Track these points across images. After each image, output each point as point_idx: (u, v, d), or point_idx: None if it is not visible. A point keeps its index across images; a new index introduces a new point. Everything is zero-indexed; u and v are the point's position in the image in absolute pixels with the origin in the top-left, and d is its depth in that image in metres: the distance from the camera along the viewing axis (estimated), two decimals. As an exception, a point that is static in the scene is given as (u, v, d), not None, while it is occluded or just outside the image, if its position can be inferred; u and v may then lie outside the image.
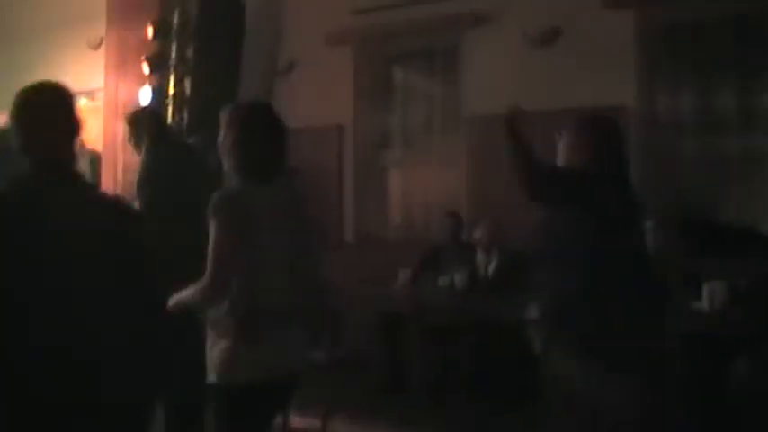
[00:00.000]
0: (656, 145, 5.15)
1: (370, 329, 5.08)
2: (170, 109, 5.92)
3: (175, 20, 5.98)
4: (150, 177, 3.87)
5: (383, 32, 6.04)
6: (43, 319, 1.79)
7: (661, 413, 2.60)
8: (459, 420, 4.42)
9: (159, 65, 6.01)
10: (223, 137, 2.50)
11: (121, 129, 6.25)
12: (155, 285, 2.07)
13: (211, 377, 2.40)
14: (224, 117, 2.52)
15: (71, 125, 1.99)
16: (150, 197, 3.79)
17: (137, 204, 3.70)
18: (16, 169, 1.93)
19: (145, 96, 5.99)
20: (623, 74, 5.09)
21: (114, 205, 2.13)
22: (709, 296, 3.96)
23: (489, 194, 5.30)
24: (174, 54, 5.98)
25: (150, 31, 5.96)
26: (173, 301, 2.36)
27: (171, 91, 5.98)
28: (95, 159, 6.73)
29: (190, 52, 5.93)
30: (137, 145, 4.02)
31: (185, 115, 5.86)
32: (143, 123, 4.03)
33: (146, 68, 6.00)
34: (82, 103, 6.47)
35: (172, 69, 5.97)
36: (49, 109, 1.97)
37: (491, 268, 5.03)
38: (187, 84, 5.94)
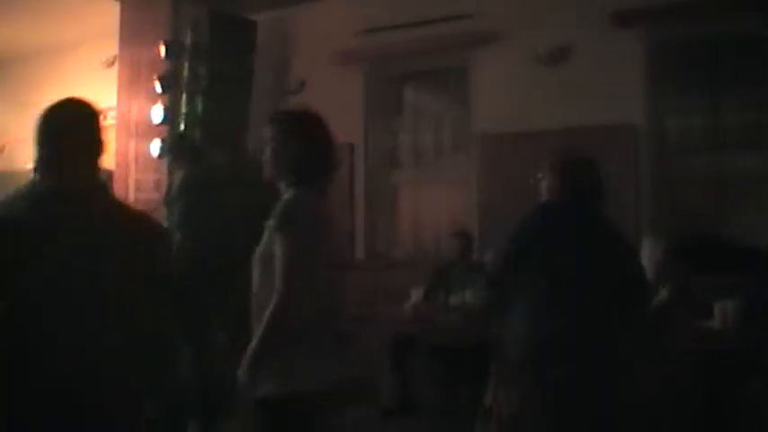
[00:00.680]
0: (665, 163, 5.17)
1: (381, 350, 5.05)
2: (182, 128, 5.97)
3: (188, 39, 6.04)
4: (187, 195, 4.30)
5: (393, 52, 6.08)
6: (58, 327, 1.82)
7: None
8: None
9: (171, 84, 6.06)
10: (281, 146, 2.39)
11: (134, 147, 6.30)
12: (170, 296, 2.10)
13: (266, 389, 2.25)
14: (277, 126, 2.44)
15: (98, 139, 2.04)
16: (186, 212, 4.22)
17: (164, 220, 3.93)
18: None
19: (157, 115, 6.03)
20: (632, 92, 5.12)
21: (139, 219, 2.17)
22: (721, 315, 3.95)
23: (499, 213, 5.30)
24: (186, 73, 6.03)
25: (163, 50, 6.01)
26: (246, 362, 2.23)
27: (183, 110, 6.02)
28: (107, 177, 6.77)
29: (202, 71, 5.99)
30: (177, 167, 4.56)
31: (197, 134, 5.90)
32: (181, 148, 4.61)
33: (158, 87, 6.05)
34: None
35: (184, 88, 6.02)
36: (78, 123, 2.01)
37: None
38: (199, 102, 5.99)
